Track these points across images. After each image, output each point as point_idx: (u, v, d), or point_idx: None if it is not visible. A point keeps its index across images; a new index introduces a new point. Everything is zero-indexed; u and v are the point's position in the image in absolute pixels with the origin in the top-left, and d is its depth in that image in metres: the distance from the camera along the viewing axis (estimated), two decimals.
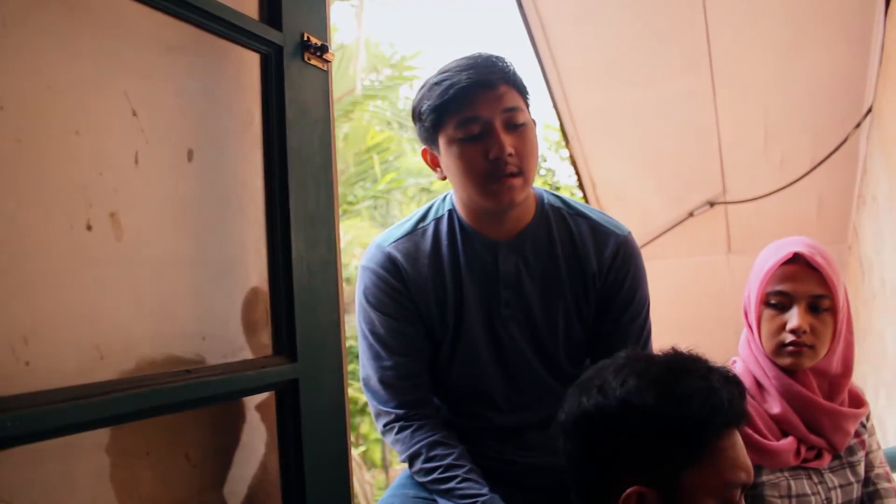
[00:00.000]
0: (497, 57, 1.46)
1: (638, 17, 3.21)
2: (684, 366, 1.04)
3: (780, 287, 1.52)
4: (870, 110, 3.33)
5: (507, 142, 1.41)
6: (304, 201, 1.09)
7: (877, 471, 1.63)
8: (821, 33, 3.13)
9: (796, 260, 1.51)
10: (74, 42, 0.80)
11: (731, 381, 1.04)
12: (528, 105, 1.49)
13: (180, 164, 0.91)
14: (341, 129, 9.03)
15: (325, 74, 1.18)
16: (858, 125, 3.44)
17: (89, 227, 0.77)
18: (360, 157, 9.09)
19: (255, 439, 1.04)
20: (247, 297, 1.02)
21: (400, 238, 1.57)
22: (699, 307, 4.67)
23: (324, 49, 1.15)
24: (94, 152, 0.80)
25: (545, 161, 11.77)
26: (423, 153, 1.54)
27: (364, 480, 8.76)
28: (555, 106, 3.72)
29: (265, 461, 1.05)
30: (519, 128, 1.44)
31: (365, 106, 9.05)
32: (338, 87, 8.94)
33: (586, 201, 4.30)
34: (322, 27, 1.17)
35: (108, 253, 0.79)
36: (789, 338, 1.50)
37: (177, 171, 0.91)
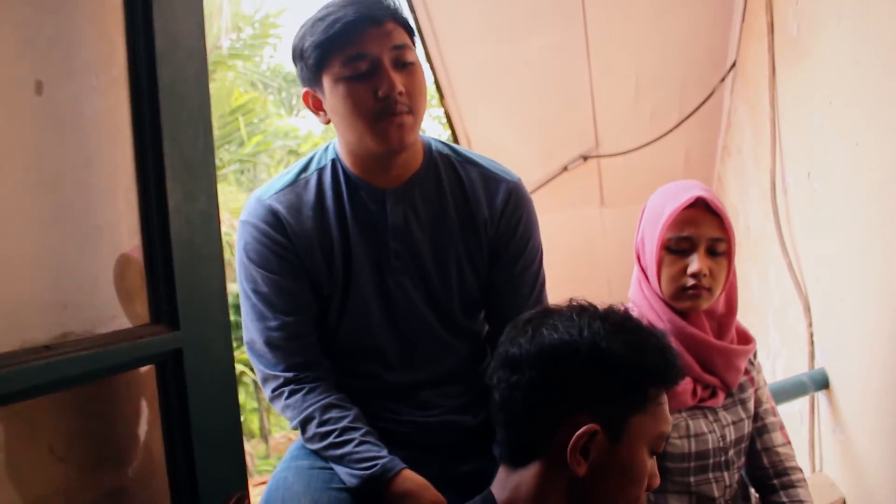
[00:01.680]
0: None
1: None
2: (637, 321, 1.07)
3: (682, 232, 1.52)
4: (734, 65, 3.44)
5: (398, 80, 1.33)
6: (180, 146, 0.95)
7: (764, 406, 1.69)
8: None
9: (697, 204, 1.51)
10: None
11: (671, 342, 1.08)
12: (414, 45, 1.41)
13: (27, 98, 0.75)
14: None
15: (199, 2, 1.03)
16: (723, 79, 3.55)
17: None
18: (225, 120, 8.67)
19: (134, 420, 0.90)
20: (117, 258, 0.87)
21: (281, 189, 1.45)
22: (573, 258, 4.76)
23: None
24: None
25: None
26: (305, 96, 1.43)
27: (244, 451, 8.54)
28: (429, 62, 3.61)
29: (147, 442, 0.91)
30: (408, 66, 1.36)
31: (227, 66, 8.61)
32: None
33: None
34: None
35: None
36: (690, 282, 1.51)
37: (23, 105, 0.74)
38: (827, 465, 2.45)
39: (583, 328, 1.00)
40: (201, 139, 0.99)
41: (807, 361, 2.51)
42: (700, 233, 1.51)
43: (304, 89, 1.42)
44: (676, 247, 1.53)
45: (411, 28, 1.41)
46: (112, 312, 0.84)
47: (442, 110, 4.61)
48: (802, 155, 2.49)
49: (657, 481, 1.07)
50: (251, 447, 9.00)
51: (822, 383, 2.36)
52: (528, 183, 4.61)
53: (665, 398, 1.04)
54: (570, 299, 1.09)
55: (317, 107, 1.42)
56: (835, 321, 2.32)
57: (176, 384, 0.90)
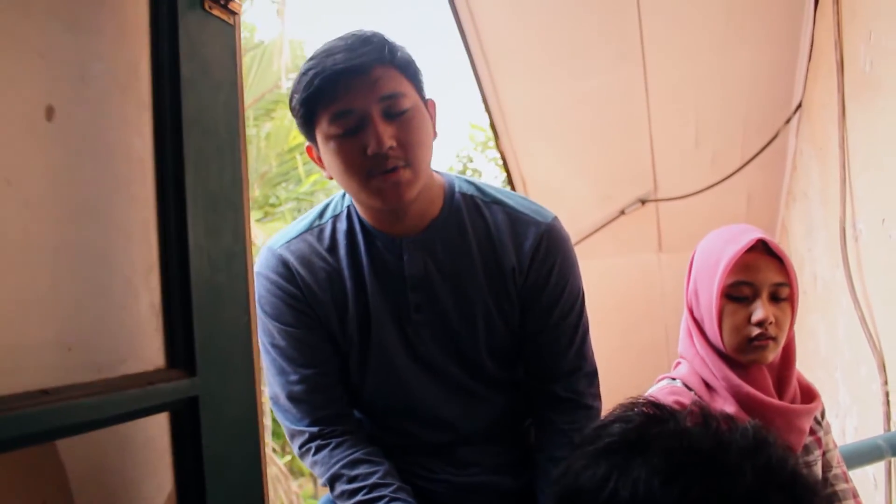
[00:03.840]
0: (372, 33, 1.28)
1: (570, 9, 3.10)
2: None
3: (743, 277, 1.41)
4: (799, 105, 3.31)
5: (387, 133, 1.24)
6: (204, 178, 0.89)
7: (834, 471, 1.55)
8: (752, 29, 3.08)
9: (756, 247, 1.41)
10: None
11: None
12: (417, 84, 1.31)
13: (37, 124, 0.70)
14: (263, 129, 8.74)
15: (232, 29, 0.98)
16: (788, 121, 3.42)
17: None
18: (283, 158, 8.81)
19: (142, 471, 0.84)
20: (131, 296, 0.82)
21: (293, 238, 1.39)
22: (629, 304, 4.62)
23: None
24: None
25: (471, 162, 11.66)
26: (308, 150, 1.37)
27: (291, 491, 8.50)
28: (485, 102, 3.58)
29: (155, 497, 0.85)
30: (401, 115, 1.26)
31: (287, 104, 8.81)
32: (260, 85, 8.66)
33: None
34: None
35: None
36: (755, 331, 1.40)
37: (33, 132, 0.70)
38: None
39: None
40: (229, 173, 0.94)
41: (882, 422, 2.34)
42: (762, 278, 1.40)
43: (307, 143, 1.37)
44: (738, 294, 1.42)
45: (408, 65, 1.30)
46: (121, 355, 0.79)
47: (497, 152, 4.56)
48: (876, 199, 2.35)
49: None
50: (298, 487, 8.95)
51: None
52: (585, 226, 4.56)
53: None
54: (702, 418, 0.79)
55: (320, 161, 1.35)
56: None
57: (191, 434, 0.83)
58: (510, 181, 4.00)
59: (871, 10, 2.27)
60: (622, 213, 4.15)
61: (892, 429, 2.28)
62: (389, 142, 1.23)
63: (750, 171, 3.65)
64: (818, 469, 1.51)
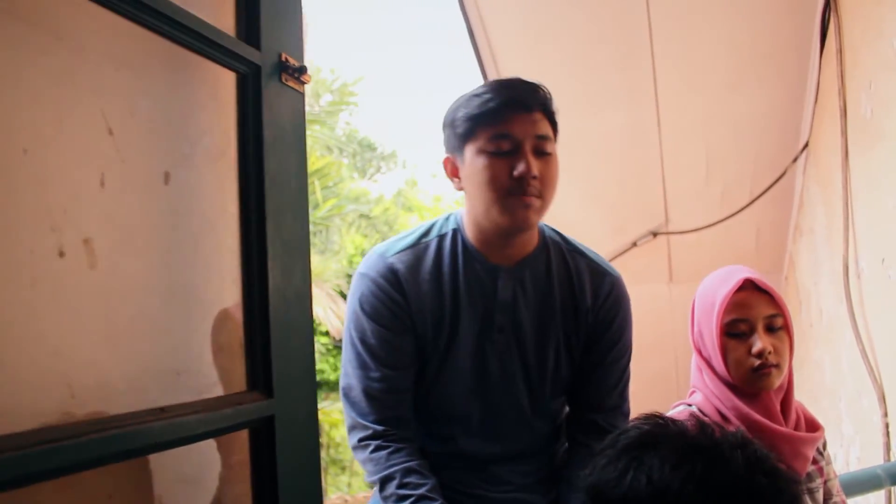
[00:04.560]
0: (539, 85, 1.49)
1: (587, 49, 3.26)
2: (751, 483, 0.92)
3: (737, 315, 1.55)
4: (806, 145, 3.45)
5: (534, 165, 1.41)
6: (280, 229, 1.04)
7: (834, 499, 1.67)
8: (761, 71, 3.24)
9: (745, 286, 1.54)
10: (47, 59, 0.75)
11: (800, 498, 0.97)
12: (556, 138, 1.50)
13: (157, 187, 0.86)
14: None
15: (302, 96, 1.14)
16: (795, 159, 3.55)
17: (62, 254, 0.71)
18: None
19: (214, 477, 0.98)
20: (221, 330, 0.96)
21: (403, 250, 1.55)
22: (640, 333, 4.70)
23: (302, 70, 1.11)
24: (68, 174, 0.74)
25: None
26: (445, 161, 1.54)
27: None
28: None
29: (236, 499, 0.99)
30: (546, 156, 1.45)
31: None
32: None
33: None
34: (299, 48, 1.13)
35: (81, 282, 0.73)
36: (757, 362, 1.53)
37: (153, 194, 0.85)
38: None
39: (672, 491, 0.90)
40: (299, 223, 1.09)
41: (882, 452, 2.45)
42: (755, 313, 1.54)
43: (446, 155, 1.53)
44: (735, 330, 1.55)
45: (556, 123, 1.50)
46: (213, 379, 0.93)
47: None
48: (876, 240, 2.48)
49: None
50: None
51: None
52: None
53: None
54: (696, 422, 1.01)
55: (454, 173, 1.52)
56: None
57: (267, 449, 0.97)
58: None
59: (871, 61, 2.41)
60: (634, 244, 4.28)
61: (892, 459, 2.39)
62: (535, 171, 1.41)
63: (759, 207, 3.78)
64: (820, 496, 1.62)
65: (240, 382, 0.98)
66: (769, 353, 1.52)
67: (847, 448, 3.11)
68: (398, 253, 1.53)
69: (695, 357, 1.67)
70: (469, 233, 1.53)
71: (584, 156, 3.84)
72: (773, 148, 3.60)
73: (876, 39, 2.31)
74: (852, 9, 2.59)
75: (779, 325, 1.55)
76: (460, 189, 1.52)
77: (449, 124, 1.50)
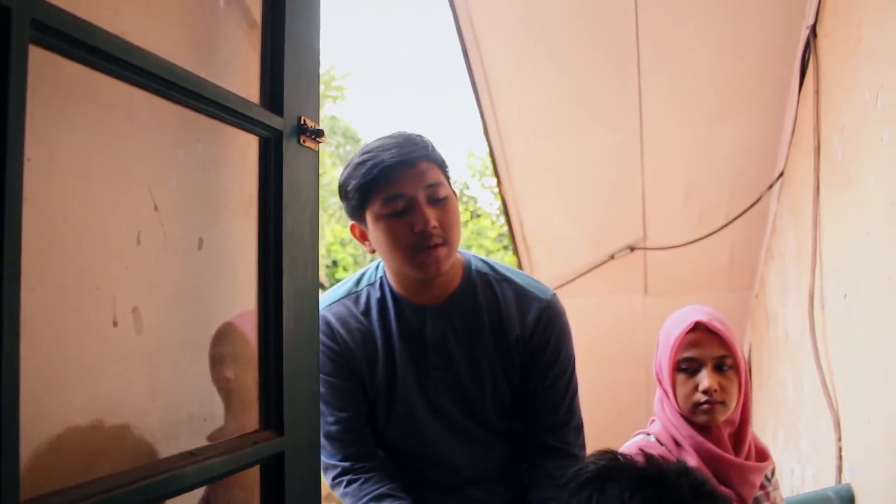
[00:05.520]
0: (417, 135, 1.56)
1: (577, 74, 3.38)
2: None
3: (687, 354, 1.69)
4: (781, 174, 3.59)
5: (431, 215, 1.50)
6: (294, 280, 1.14)
7: None
8: (742, 104, 3.38)
9: (698, 328, 1.68)
10: (103, 136, 0.84)
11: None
12: (447, 177, 1.59)
13: (192, 253, 0.96)
14: None
15: (316, 154, 1.24)
16: (771, 187, 3.70)
17: (115, 324, 0.81)
18: None
19: None
20: (221, 342, 1.06)
21: (334, 302, 1.66)
22: (614, 342, 4.90)
23: (319, 133, 1.21)
24: (121, 247, 0.84)
25: (468, 189, 12.00)
26: (352, 228, 1.63)
27: None
28: (491, 150, 3.85)
29: None
30: (441, 201, 1.53)
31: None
32: None
33: (513, 238, 4.45)
34: (315, 109, 1.23)
35: (130, 347, 0.83)
36: (702, 398, 1.67)
37: (189, 260, 0.95)
38: None
39: None
40: (310, 271, 1.19)
41: (834, 474, 2.60)
42: (704, 353, 1.68)
43: (351, 223, 1.62)
44: (686, 366, 1.70)
45: (444, 163, 1.59)
46: (234, 422, 1.04)
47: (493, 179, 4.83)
48: (840, 275, 2.62)
49: None
50: None
51: (848, 500, 2.44)
52: (576, 267, 4.84)
53: None
54: (644, 457, 1.18)
55: (363, 237, 1.61)
56: (863, 440, 2.42)
57: (277, 483, 1.08)
58: (508, 223, 4.26)
59: (844, 106, 2.53)
60: (612, 257, 4.43)
61: (843, 481, 2.54)
62: (433, 221, 1.49)
63: (734, 229, 3.94)
64: None
65: (254, 422, 1.09)
66: (714, 391, 1.66)
67: (804, 465, 3.27)
68: (330, 305, 1.65)
69: (658, 388, 1.81)
70: (392, 281, 1.63)
71: (569, 173, 3.97)
72: (750, 175, 3.75)
73: (850, 88, 2.44)
74: (830, 54, 2.72)
75: (728, 364, 1.69)
76: (372, 251, 1.60)
77: (344, 196, 1.57)
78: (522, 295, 1.66)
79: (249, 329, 1.10)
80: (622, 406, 5.17)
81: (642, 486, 1.09)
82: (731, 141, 3.56)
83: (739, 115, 3.44)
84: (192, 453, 0.92)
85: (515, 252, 4.61)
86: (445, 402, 1.64)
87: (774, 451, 3.83)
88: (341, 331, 1.62)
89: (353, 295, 1.66)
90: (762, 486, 1.78)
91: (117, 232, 0.84)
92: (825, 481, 2.79)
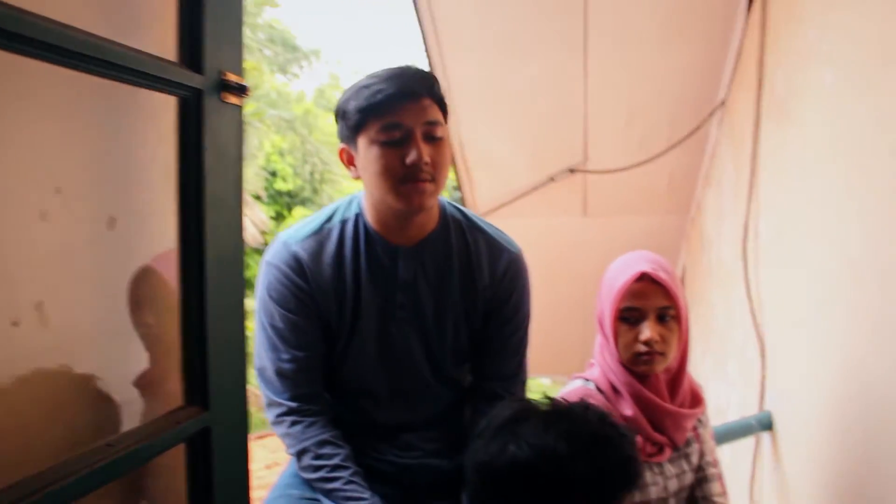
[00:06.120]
0: (426, 72, 1.53)
1: None
2: (603, 432, 1.17)
3: (630, 303, 1.69)
4: (723, 102, 3.58)
5: (425, 151, 1.47)
6: (217, 248, 1.08)
7: (706, 458, 1.87)
8: (688, 29, 3.31)
9: (643, 278, 1.67)
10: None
11: (635, 444, 1.22)
12: (446, 120, 1.56)
13: (101, 235, 0.89)
14: None
15: (240, 109, 1.16)
16: (712, 114, 3.69)
17: (16, 324, 0.75)
18: None
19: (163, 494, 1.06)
20: (140, 285, 1.01)
21: (306, 238, 1.61)
22: (553, 264, 4.95)
23: (243, 89, 1.13)
24: (18, 238, 0.77)
25: None
26: (341, 152, 1.58)
27: None
28: (431, 69, 3.72)
29: None
30: (437, 140, 1.51)
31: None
32: None
33: (453, 161, 4.38)
34: (239, 63, 1.14)
35: (36, 344, 0.77)
36: (643, 348, 1.68)
37: (99, 242, 0.88)
38: (765, 499, 2.66)
39: (548, 447, 1.11)
40: (234, 238, 1.13)
41: (757, 401, 2.71)
42: (647, 304, 1.68)
43: (341, 145, 1.57)
44: (628, 316, 1.70)
45: (445, 106, 1.55)
46: (158, 370, 0.99)
47: None
48: (775, 209, 2.65)
49: None
50: None
51: (767, 425, 2.56)
52: (516, 188, 4.82)
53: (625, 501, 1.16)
54: (550, 400, 1.22)
55: (350, 161, 1.57)
56: (786, 369, 2.51)
57: (204, 459, 1.05)
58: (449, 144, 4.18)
59: (789, 42, 2.50)
60: (552, 179, 4.42)
61: (764, 408, 2.66)
62: (426, 157, 1.47)
63: (673, 155, 3.93)
64: (694, 459, 1.83)
65: (176, 398, 1.05)
66: (655, 342, 1.68)
67: (730, 388, 3.40)
68: (301, 241, 1.60)
69: (598, 333, 1.82)
70: (369, 217, 1.60)
71: (511, 95, 3.89)
72: (691, 101, 3.72)
73: (796, 25, 2.40)
74: None
75: (671, 315, 1.69)
76: (357, 178, 1.57)
77: (341, 116, 1.53)
78: (493, 245, 1.67)
79: (168, 272, 1.04)
80: (559, 321, 5.28)
81: (554, 422, 1.15)
82: (674, 66, 3.51)
83: (684, 41, 3.38)
84: (107, 445, 0.88)
85: (456, 174, 4.56)
86: (405, 343, 1.64)
87: (702, 372, 3.98)
88: (312, 267, 1.59)
89: (326, 230, 1.62)
90: (693, 428, 1.83)
91: (16, 219, 0.77)
92: (750, 405, 2.91)
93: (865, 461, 1.83)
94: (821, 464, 2.11)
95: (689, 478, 1.81)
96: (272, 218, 12.96)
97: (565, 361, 5.96)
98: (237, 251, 1.14)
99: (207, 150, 1.05)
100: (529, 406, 1.23)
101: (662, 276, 1.68)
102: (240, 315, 1.14)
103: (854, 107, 1.93)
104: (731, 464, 2.98)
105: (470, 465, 1.19)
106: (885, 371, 1.73)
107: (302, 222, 1.67)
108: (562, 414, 1.19)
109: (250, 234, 9.13)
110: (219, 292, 1.08)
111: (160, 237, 1.01)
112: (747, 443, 2.76)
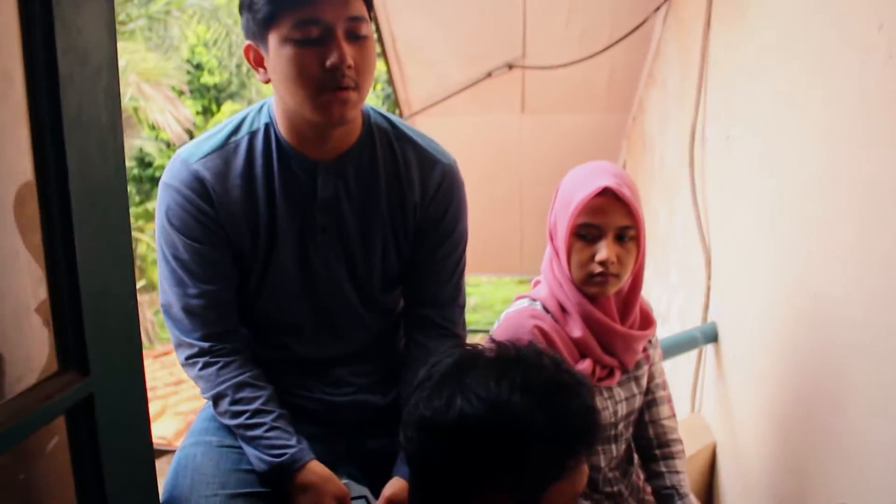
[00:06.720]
0: None
1: None
2: (560, 380, 1.03)
3: (589, 220, 1.54)
4: None
5: (348, 52, 1.27)
6: (87, 179, 0.87)
7: (656, 380, 1.80)
8: None
9: (605, 193, 1.52)
10: None
11: (593, 393, 1.08)
12: (371, 17, 1.34)
13: None
14: None
15: (109, 3, 0.92)
16: (658, 9, 3.50)
17: None
18: None
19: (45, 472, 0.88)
20: (18, 188, 0.81)
21: (209, 154, 1.39)
22: (490, 160, 4.82)
23: None
24: None
25: None
26: (246, 49, 1.35)
27: None
28: None
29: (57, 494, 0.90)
30: (361, 39, 1.30)
31: None
32: None
33: (385, 55, 4.10)
34: None
35: None
36: (598, 269, 1.55)
37: None
38: (705, 409, 2.65)
39: (501, 400, 0.97)
40: (112, 166, 0.92)
41: (701, 311, 2.65)
42: (608, 221, 1.54)
43: (247, 42, 1.34)
44: (585, 233, 1.55)
45: (370, 1, 1.33)
46: (23, 367, 0.80)
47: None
48: (724, 115, 2.52)
49: None
50: None
51: (712, 337, 2.51)
52: (451, 84, 4.61)
53: (584, 460, 1.04)
54: (495, 345, 1.08)
55: (258, 62, 1.34)
56: (731, 280, 2.45)
57: (88, 433, 0.87)
58: (380, 38, 3.90)
59: None
60: (489, 75, 4.21)
61: (709, 319, 2.61)
62: (349, 60, 1.26)
63: (615, 52, 3.75)
64: (644, 381, 1.74)
65: (50, 365, 0.86)
66: (611, 263, 1.54)
67: (671, 295, 3.36)
68: (203, 158, 1.38)
69: (548, 246, 1.67)
70: (282, 128, 1.40)
71: None
72: None
73: None
74: None
75: (630, 235, 1.56)
76: (267, 81, 1.35)
77: (247, 7, 1.30)
78: (424, 157, 1.47)
79: None
80: (496, 219, 5.19)
81: (506, 370, 1.01)
82: None
83: None
84: None
85: (388, 69, 4.29)
86: (328, 269, 1.46)
87: (646, 276, 3.95)
88: (217, 189, 1.37)
89: (232, 144, 1.40)
90: (644, 349, 1.74)
91: None
92: (691, 313, 2.87)
93: (810, 377, 1.78)
94: (765, 377, 2.08)
95: (638, 401, 1.73)
96: (198, 113, 12.26)
97: (501, 259, 5.93)
98: (116, 179, 0.92)
99: (61, 53, 0.82)
100: (475, 353, 1.06)
101: (626, 192, 1.53)
102: (124, 257, 0.94)
103: (813, 3, 1.78)
104: (673, 375, 2.96)
105: (409, 421, 1.04)
106: (832, 287, 1.66)
107: (204, 135, 1.44)
108: (513, 361, 1.03)
109: (174, 132, 8.58)
110: (93, 232, 0.88)
111: (10, 173, 0.79)
112: (690, 353, 2.72)
